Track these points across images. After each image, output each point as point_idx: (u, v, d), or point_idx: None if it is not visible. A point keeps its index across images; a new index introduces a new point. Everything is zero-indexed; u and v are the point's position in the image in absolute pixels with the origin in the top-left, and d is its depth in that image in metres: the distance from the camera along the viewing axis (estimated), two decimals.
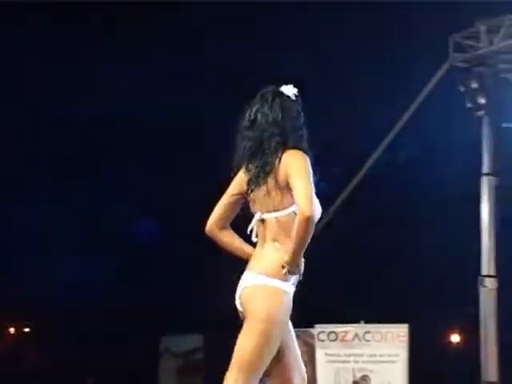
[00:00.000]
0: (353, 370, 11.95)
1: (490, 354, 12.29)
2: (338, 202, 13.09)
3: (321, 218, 4.49)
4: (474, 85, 12.04)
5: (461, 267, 13.62)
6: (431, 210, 14.84)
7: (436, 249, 15.41)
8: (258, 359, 4.34)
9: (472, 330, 13.21)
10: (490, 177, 12.46)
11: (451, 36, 12.20)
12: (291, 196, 4.32)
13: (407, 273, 13.75)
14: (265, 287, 4.36)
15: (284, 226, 4.38)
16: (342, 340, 12.06)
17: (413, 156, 13.75)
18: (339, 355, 12.02)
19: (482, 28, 11.93)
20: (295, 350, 4.52)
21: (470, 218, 12.68)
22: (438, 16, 11.61)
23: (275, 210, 4.40)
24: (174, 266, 15.35)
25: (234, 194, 4.56)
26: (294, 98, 4.57)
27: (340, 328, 12.11)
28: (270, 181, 4.38)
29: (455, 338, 18.62)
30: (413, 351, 11.88)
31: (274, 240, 4.39)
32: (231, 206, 4.58)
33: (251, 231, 4.49)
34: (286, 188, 4.34)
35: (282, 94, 4.56)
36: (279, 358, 4.44)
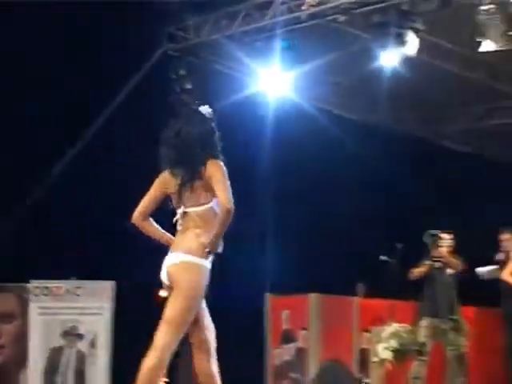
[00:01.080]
0: (63, 321, 13.18)
1: None
2: None
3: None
4: (182, 72, 13.58)
5: None
6: None
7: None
8: (183, 318, 5.58)
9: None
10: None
11: (166, 27, 13.60)
12: (211, 195, 5.66)
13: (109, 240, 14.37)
14: (190, 263, 5.58)
15: (204, 218, 5.68)
16: (55, 294, 13.25)
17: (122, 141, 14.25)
18: (51, 308, 13.18)
19: (192, 23, 13.48)
20: (207, 312, 5.86)
21: None
22: (156, 8, 12.65)
23: (197, 206, 5.71)
24: None
25: (157, 192, 5.88)
26: (209, 115, 5.87)
27: (53, 283, 13.28)
28: (196, 184, 5.68)
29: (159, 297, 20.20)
30: (119, 305, 13.28)
31: (196, 227, 5.65)
32: (155, 201, 5.89)
33: (176, 222, 5.77)
34: (209, 189, 5.65)
35: (200, 112, 5.85)
36: (197, 320, 5.71)
